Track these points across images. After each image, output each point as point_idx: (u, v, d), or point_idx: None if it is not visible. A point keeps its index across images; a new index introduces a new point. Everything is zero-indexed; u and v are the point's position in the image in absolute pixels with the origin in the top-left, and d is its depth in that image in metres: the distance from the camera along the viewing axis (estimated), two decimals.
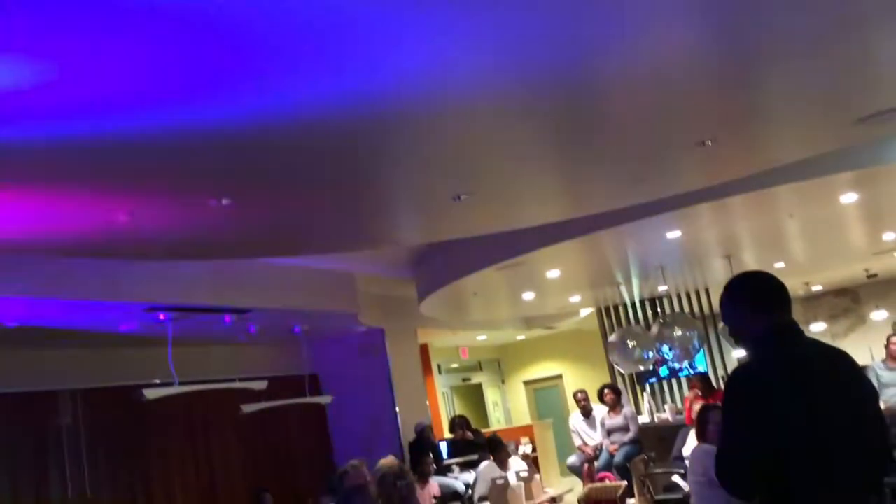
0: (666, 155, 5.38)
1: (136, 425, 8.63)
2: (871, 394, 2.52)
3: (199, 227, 5.01)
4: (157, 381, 7.90)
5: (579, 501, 7.01)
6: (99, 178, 4.02)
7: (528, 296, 10.58)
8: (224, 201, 4.41)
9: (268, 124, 3.57)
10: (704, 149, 5.15)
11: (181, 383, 7.45)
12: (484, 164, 4.88)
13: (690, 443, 7.72)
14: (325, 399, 9.97)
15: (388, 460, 6.76)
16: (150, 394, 7.10)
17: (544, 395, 17.61)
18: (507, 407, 17.62)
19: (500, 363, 17.90)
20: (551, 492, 7.50)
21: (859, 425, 2.37)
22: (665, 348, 9.40)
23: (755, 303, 2.50)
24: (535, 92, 3.77)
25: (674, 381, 12.01)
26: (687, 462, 7.08)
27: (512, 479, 7.02)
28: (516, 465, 7.80)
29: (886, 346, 8.62)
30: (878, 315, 15.10)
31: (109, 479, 8.31)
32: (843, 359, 2.49)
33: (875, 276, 14.87)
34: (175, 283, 6.96)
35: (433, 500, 7.06)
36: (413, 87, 3.43)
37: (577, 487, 9.16)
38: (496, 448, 7.94)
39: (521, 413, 17.42)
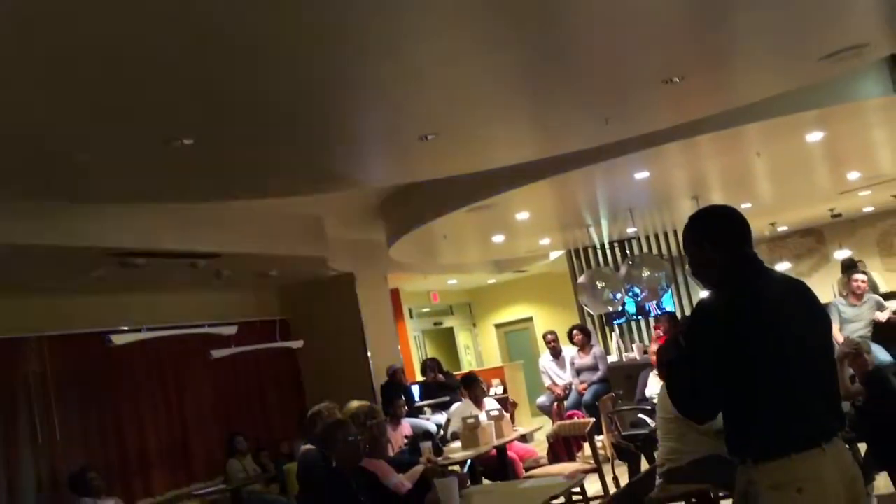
0: (633, 93, 5.36)
1: (106, 372, 8.58)
2: (829, 326, 2.60)
3: (161, 168, 4.91)
4: (125, 328, 7.87)
5: (548, 438, 7.11)
6: (59, 114, 3.91)
7: (499, 238, 10.60)
8: (186, 141, 4.32)
9: (228, 58, 3.48)
10: (671, 86, 5.14)
11: (149, 329, 7.41)
12: (450, 103, 4.82)
13: (652, 383, 7.87)
14: (296, 343, 10.00)
15: (358, 401, 6.85)
16: (118, 339, 7.06)
17: (515, 337, 17.81)
18: (478, 350, 17.81)
19: (472, 307, 18.04)
20: (521, 430, 7.61)
21: (821, 353, 2.45)
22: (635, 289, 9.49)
23: (717, 237, 2.52)
24: (502, 22, 3.71)
25: (641, 322, 12.17)
26: (656, 400, 7.23)
27: (483, 419, 7.10)
28: (490, 404, 7.89)
29: (848, 284, 8.78)
30: (842, 254, 15.35)
31: (79, 425, 8.28)
32: (804, 290, 2.55)
33: (839, 215, 15.11)
34: (142, 227, 6.85)
35: (405, 440, 7.13)
36: (372, 11, 3.34)
37: (546, 426, 9.31)
38: (471, 384, 8.01)
39: (493, 356, 17.62)
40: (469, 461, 5.09)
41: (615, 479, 7.61)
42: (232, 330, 8.37)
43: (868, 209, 15.39)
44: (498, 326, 17.96)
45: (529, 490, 4.41)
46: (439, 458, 6.41)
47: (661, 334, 9.21)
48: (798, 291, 2.51)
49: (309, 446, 5.94)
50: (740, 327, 2.32)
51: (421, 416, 10.06)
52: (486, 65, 4.27)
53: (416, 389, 11.01)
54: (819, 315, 2.52)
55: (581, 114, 5.69)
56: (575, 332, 9.98)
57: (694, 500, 5.05)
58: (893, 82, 6.40)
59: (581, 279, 10.59)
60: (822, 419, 2.33)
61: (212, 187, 5.79)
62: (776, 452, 2.27)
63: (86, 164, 4.37)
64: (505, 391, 13.01)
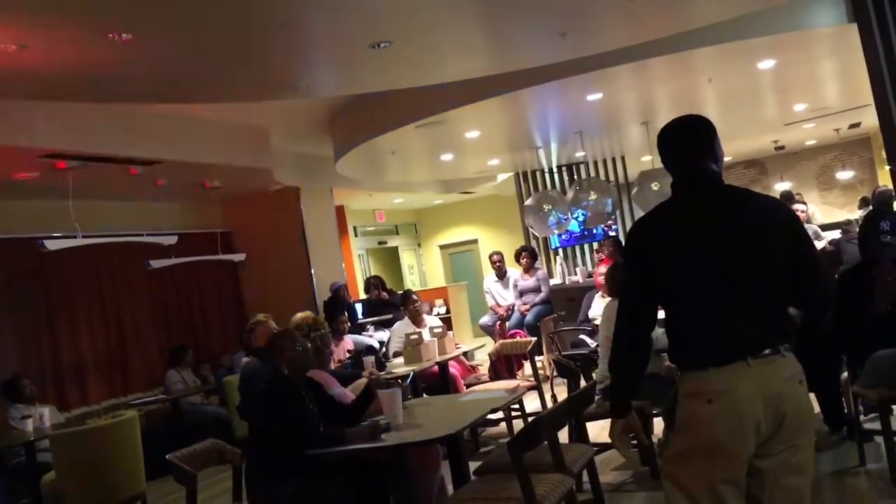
0: (591, 8, 5.24)
1: (40, 278, 8.35)
2: (775, 241, 2.36)
3: (97, 63, 4.66)
4: (60, 234, 7.62)
5: (490, 356, 7.20)
6: None
7: (447, 157, 10.49)
8: (124, 36, 4.09)
9: None
10: (631, 3, 5.04)
11: (85, 236, 7.18)
12: (404, 8, 4.64)
13: (596, 305, 7.99)
14: (237, 257, 9.85)
15: (302, 314, 6.81)
16: (52, 245, 6.83)
17: (460, 259, 17.88)
18: (422, 270, 17.85)
19: (417, 227, 17.99)
20: (464, 347, 7.67)
21: (754, 270, 2.33)
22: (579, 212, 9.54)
23: (664, 152, 2.53)
24: None
25: (585, 246, 12.29)
26: (598, 321, 7.35)
27: (426, 336, 7.13)
28: (431, 322, 7.91)
29: None
30: (782, 186, 15.68)
31: (13, 332, 8.09)
32: (746, 209, 2.40)
33: (783, 148, 15.35)
34: (78, 129, 6.58)
35: (347, 354, 7.12)
36: None
37: (488, 345, 9.42)
38: (406, 300, 8.03)
39: (437, 276, 17.68)
40: (412, 374, 5.10)
41: (553, 396, 7.80)
42: (172, 240, 8.16)
43: (810, 143, 15.65)
44: (443, 247, 17.99)
45: (471, 402, 4.44)
46: (382, 373, 6.44)
47: (604, 257, 9.32)
48: (738, 209, 2.39)
49: (249, 358, 5.92)
50: (654, 246, 2.40)
51: (364, 332, 10.07)
52: None
53: (359, 308, 11.00)
54: (758, 230, 2.36)
55: (537, 28, 5.55)
56: (523, 253, 10.01)
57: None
58: (848, 12, 6.41)
59: (528, 201, 10.60)
60: (746, 335, 2.30)
61: (148, 86, 5.52)
62: (695, 365, 2.33)
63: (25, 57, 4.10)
64: (448, 311, 13.10)
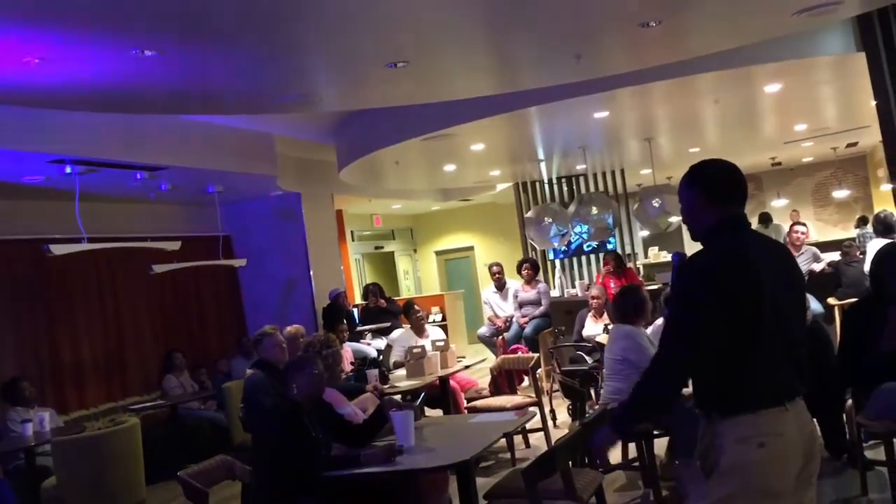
0: (608, 34, 5.28)
1: (41, 280, 8.33)
2: (803, 289, 2.66)
3: (119, 78, 4.67)
4: (63, 237, 7.60)
5: (492, 371, 7.22)
6: (7, 14, 3.65)
7: (450, 168, 10.53)
8: (147, 52, 4.10)
9: None
10: (647, 30, 5.08)
11: (90, 240, 7.17)
12: (425, 30, 4.66)
13: (588, 325, 8.01)
14: (238, 262, 9.83)
15: (296, 328, 6.80)
16: (57, 249, 6.81)
17: (455, 265, 17.90)
18: (417, 276, 17.85)
19: (413, 232, 18.00)
20: (466, 361, 7.69)
21: (795, 316, 2.52)
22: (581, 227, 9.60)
23: (714, 192, 2.52)
24: None
25: (583, 258, 12.34)
26: (597, 340, 7.37)
27: (428, 348, 7.15)
28: (433, 333, 7.93)
29: (789, 234, 9.02)
30: (779, 203, 15.78)
31: (13, 334, 8.06)
32: (785, 253, 2.61)
33: (779, 164, 15.44)
34: (84, 135, 6.57)
35: (351, 366, 7.13)
36: None
37: (485, 355, 9.45)
38: (408, 311, 8.04)
39: (432, 283, 17.69)
40: (423, 394, 5.12)
41: (552, 411, 7.83)
42: (176, 245, 8.16)
43: (807, 159, 15.76)
44: (438, 253, 18.00)
45: (481, 425, 4.46)
46: (385, 386, 6.45)
47: (611, 270, 9.38)
48: (779, 254, 2.56)
49: (254, 370, 5.90)
50: (729, 287, 2.34)
51: (361, 340, 10.07)
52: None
53: (356, 313, 11.01)
54: (796, 278, 2.58)
55: (551, 48, 5.57)
56: (525, 265, 10.03)
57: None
58: (856, 41, 6.48)
59: (529, 213, 10.64)
60: (788, 380, 2.41)
61: (168, 100, 5.53)
62: (743, 408, 2.34)
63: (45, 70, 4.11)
64: (444, 319, 13.12)
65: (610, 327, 6.79)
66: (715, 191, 2.52)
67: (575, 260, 12.38)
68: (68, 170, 6.89)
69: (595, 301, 7.96)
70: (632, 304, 5.27)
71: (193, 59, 4.58)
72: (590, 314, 8.05)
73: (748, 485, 2.31)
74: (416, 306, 8.10)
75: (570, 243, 11.59)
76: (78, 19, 3.74)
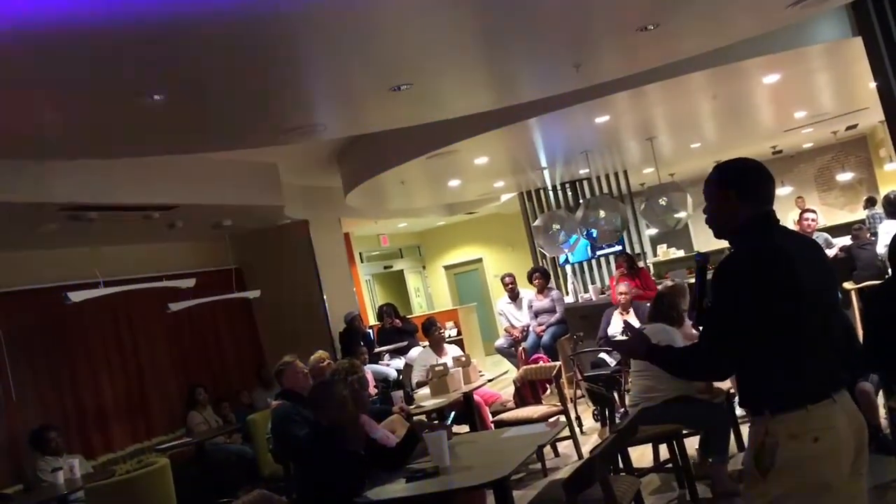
0: (607, 41, 5.32)
1: (61, 327, 8.34)
2: (836, 281, 2.68)
3: (131, 123, 4.72)
4: (80, 282, 7.64)
5: (514, 382, 7.22)
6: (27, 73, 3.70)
7: (455, 183, 10.57)
8: (156, 97, 4.15)
9: (192, 14, 3.33)
10: (644, 34, 5.11)
11: (106, 284, 7.21)
12: (428, 51, 4.71)
13: (615, 322, 8.03)
14: (252, 293, 9.87)
15: (320, 354, 6.82)
16: (76, 296, 6.85)
17: (465, 279, 17.90)
18: (428, 292, 17.86)
19: (421, 249, 18.02)
20: (488, 375, 7.70)
21: (832, 307, 2.55)
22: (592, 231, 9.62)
23: (746, 190, 2.53)
24: None
25: (594, 262, 12.35)
26: (619, 338, 7.38)
27: (449, 364, 7.16)
28: (453, 350, 7.94)
29: (799, 222, 9.03)
30: (782, 191, 15.78)
31: (35, 383, 8.07)
32: (816, 246, 2.64)
33: (780, 152, 15.44)
34: (98, 181, 6.60)
35: (375, 388, 7.15)
36: None
37: (504, 367, 9.45)
38: (429, 330, 8.04)
39: (443, 298, 17.69)
40: (453, 413, 5.13)
41: (577, 417, 7.82)
42: (190, 283, 8.20)
43: (807, 145, 15.77)
44: (447, 268, 18.01)
45: (514, 440, 4.47)
46: (411, 407, 6.46)
47: (624, 271, 9.40)
48: (812, 248, 2.58)
49: (279, 401, 5.90)
50: (767, 283, 2.35)
51: (380, 361, 10.09)
52: (457, 17, 4.18)
53: (372, 335, 11.02)
54: (829, 271, 2.60)
55: (550, 59, 5.61)
56: (536, 274, 10.06)
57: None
58: (852, 26, 6.52)
59: (537, 222, 10.65)
60: (832, 371, 2.42)
61: (173, 140, 5.59)
62: (793, 404, 2.34)
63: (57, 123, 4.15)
64: (459, 333, 13.12)
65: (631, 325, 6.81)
66: (746, 189, 2.53)
67: (586, 264, 12.38)
68: (81, 216, 6.93)
69: (623, 297, 8.00)
70: (672, 306, 5.37)
71: (200, 101, 4.63)
72: (616, 311, 8.08)
73: (805, 480, 2.31)
74: (437, 324, 8.12)
75: (594, 247, 11.56)
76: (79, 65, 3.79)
